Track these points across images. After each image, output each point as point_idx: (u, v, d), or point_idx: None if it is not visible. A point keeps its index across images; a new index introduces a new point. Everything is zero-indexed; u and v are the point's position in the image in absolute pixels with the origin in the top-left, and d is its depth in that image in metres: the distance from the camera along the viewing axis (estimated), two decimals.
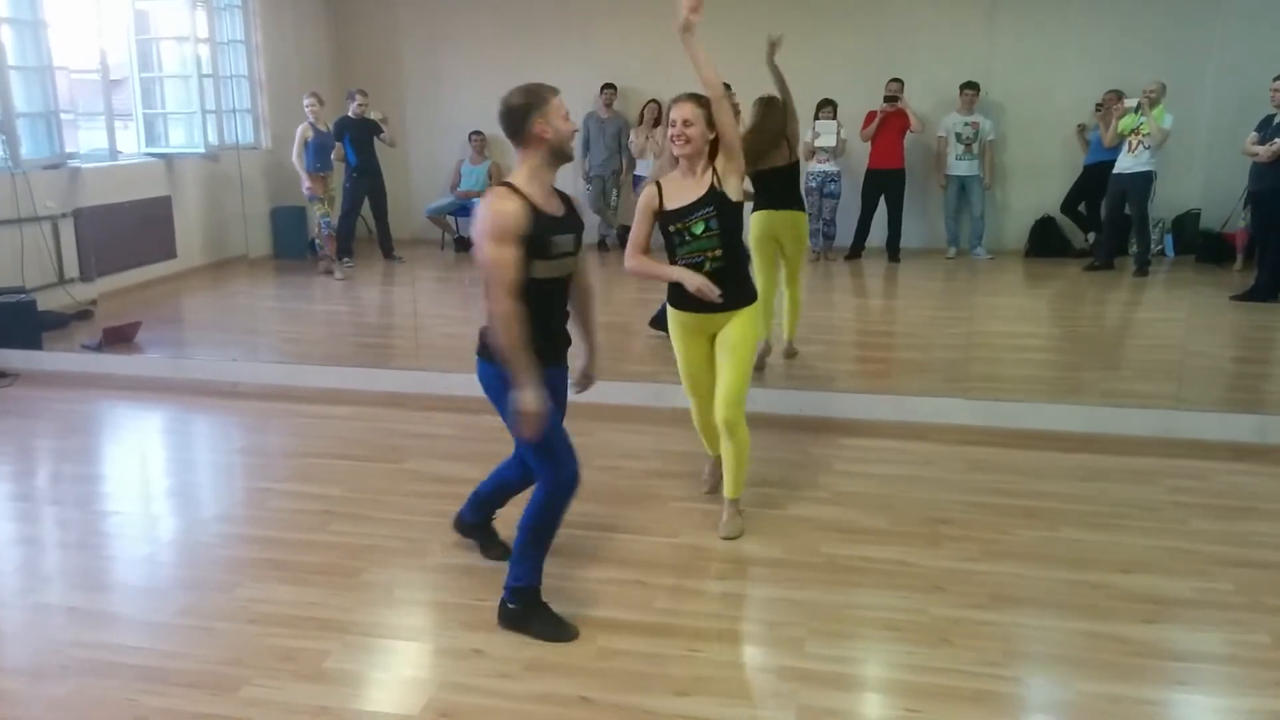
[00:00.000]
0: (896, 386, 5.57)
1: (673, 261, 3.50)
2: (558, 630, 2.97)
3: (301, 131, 8.30)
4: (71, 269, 7.50)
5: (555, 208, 2.91)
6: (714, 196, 3.40)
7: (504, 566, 3.34)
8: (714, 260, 3.43)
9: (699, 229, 3.41)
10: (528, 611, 2.99)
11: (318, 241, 8.62)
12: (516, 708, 2.63)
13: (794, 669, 2.80)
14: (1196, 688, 2.74)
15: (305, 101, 8.39)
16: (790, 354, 6.06)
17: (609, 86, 9.59)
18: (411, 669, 2.88)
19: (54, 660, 2.86)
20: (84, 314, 7.14)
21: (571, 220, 2.97)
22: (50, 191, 7.30)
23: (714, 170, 3.43)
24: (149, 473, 4.63)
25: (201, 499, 4.20)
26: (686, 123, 3.40)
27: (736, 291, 3.49)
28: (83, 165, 7.84)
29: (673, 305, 3.62)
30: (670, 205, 3.45)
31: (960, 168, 9.41)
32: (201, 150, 9.05)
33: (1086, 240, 9.28)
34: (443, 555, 3.49)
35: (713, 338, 3.62)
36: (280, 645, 2.92)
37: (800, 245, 5.81)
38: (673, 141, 3.42)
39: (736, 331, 3.54)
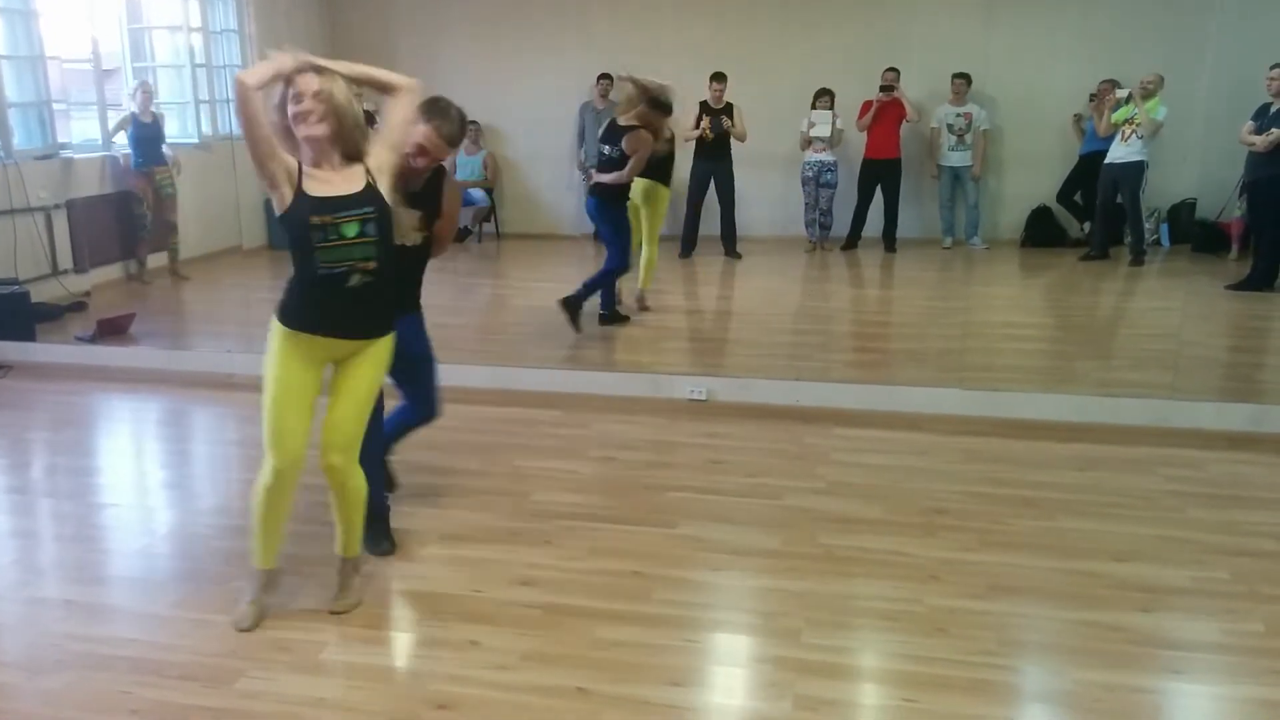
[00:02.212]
0: (892, 376, 5.57)
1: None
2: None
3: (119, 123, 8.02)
4: (64, 260, 7.48)
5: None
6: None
7: (507, 559, 3.35)
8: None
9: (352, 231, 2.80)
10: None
11: None
12: (514, 699, 2.63)
13: (791, 659, 2.80)
14: (1192, 676, 2.75)
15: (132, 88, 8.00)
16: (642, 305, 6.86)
17: (605, 76, 9.57)
18: (408, 660, 2.88)
19: (49, 653, 2.85)
20: (78, 305, 7.12)
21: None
22: (43, 182, 7.27)
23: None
24: (144, 465, 4.62)
25: (197, 491, 4.19)
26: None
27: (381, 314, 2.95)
28: (75, 156, 7.81)
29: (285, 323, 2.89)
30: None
31: (953, 158, 9.42)
32: (195, 140, 9.03)
33: (1082, 230, 9.29)
34: (438, 546, 3.48)
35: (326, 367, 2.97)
36: (276, 637, 2.92)
37: (654, 210, 6.69)
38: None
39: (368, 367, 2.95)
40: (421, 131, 3.09)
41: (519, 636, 2.92)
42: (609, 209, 6.23)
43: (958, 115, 9.32)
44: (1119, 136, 8.38)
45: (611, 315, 6.50)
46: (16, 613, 3.15)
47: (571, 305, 6.20)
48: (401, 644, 2.96)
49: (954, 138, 9.37)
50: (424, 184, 3.24)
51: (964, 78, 9.26)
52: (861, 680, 2.78)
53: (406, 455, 3.58)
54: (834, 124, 9.24)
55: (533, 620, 3.01)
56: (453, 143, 3.19)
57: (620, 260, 6.28)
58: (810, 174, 9.41)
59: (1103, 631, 2.94)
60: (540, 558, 3.40)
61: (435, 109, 3.14)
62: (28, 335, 6.16)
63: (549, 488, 4.02)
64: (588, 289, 6.26)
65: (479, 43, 10.43)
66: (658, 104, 5.98)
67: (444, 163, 3.29)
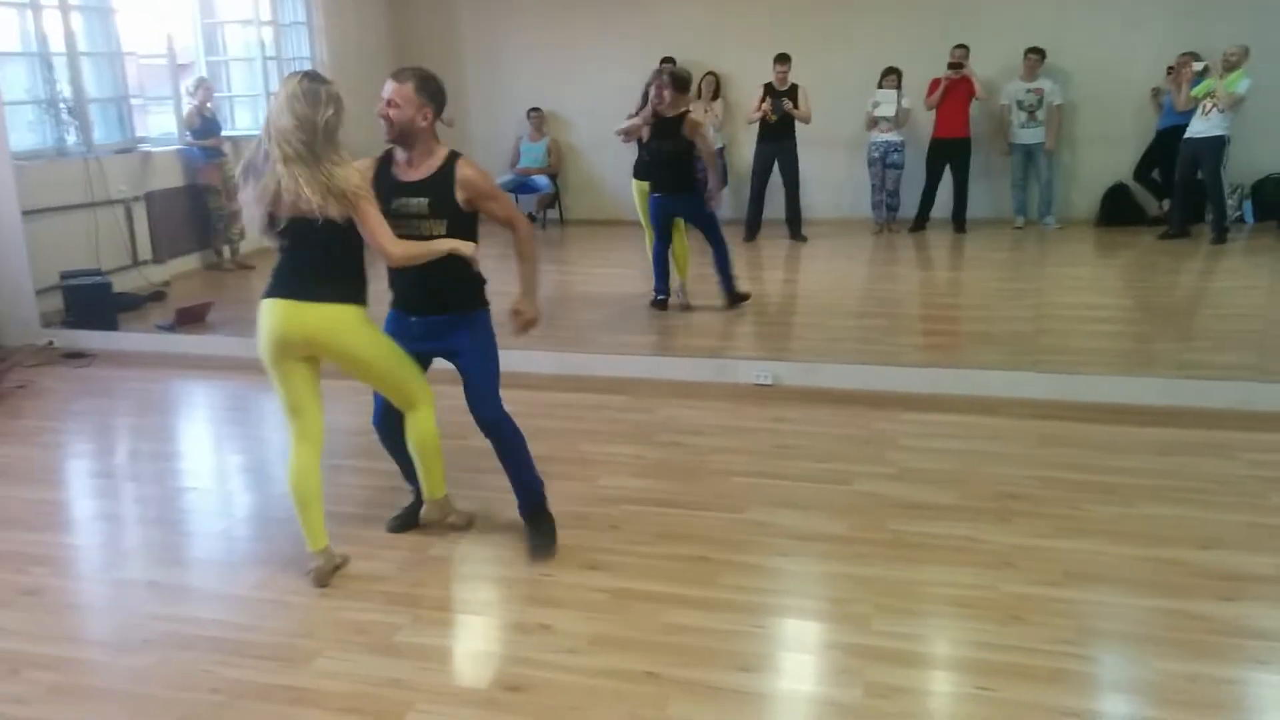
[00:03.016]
0: (963, 360, 5.48)
1: None
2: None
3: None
4: (144, 251, 7.68)
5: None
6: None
7: (575, 543, 3.38)
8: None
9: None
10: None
11: None
12: (583, 682, 2.65)
13: (860, 645, 2.78)
14: (1277, 666, 2.66)
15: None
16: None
17: (668, 60, 9.51)
18: (480, 643, 2.92)
19: (135, 633, 2.95)
20: (157, 295, 7.31)
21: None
22: (122, 175, 7.47)
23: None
24: (222, 449, 4.73)
25: (273, 475, 4.28)
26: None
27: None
28: (152, 149, 8.01)
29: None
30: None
31: (1024, 136, 9.19)
32: None
33: (1160, 207, 9.03)
34: (507, 531, 3.52)
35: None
36: (352, 619, 2.98)
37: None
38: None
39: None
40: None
41: (588, 620, 2.94)
42: (692, 199, 6.39)
43: (1028, 91, 9.09)
44: (1199, 110, 8.12)
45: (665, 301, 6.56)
46: (104, 593, 3.26)
47: (734, 297, 6.47)
48: (474, 627, 3.00)
49: (1024, 114, 9.14)
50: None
51: (1037, 52, 9.01)
52: (934, 668, 2.74)
53: (474, 442, 3.60)
54: (899, 103, 9.08)
55: (601, 604, 3.03)
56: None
57: (722, 237, 6.48)
58: (876, 154, 9.27)
59: (1184, 620, 2.87)
60: (608, 542, 3.42)
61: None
62: (110, 324, 6.36)
63: (615, 472, 4.03)
64: (727, 275, 6.49)
65: (542, 30, 10.45)
66: (679, 81, 6.22)
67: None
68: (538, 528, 3.40)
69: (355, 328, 3.11)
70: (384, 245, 3.02)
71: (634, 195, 6.71)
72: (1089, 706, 2.53)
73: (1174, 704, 2.51)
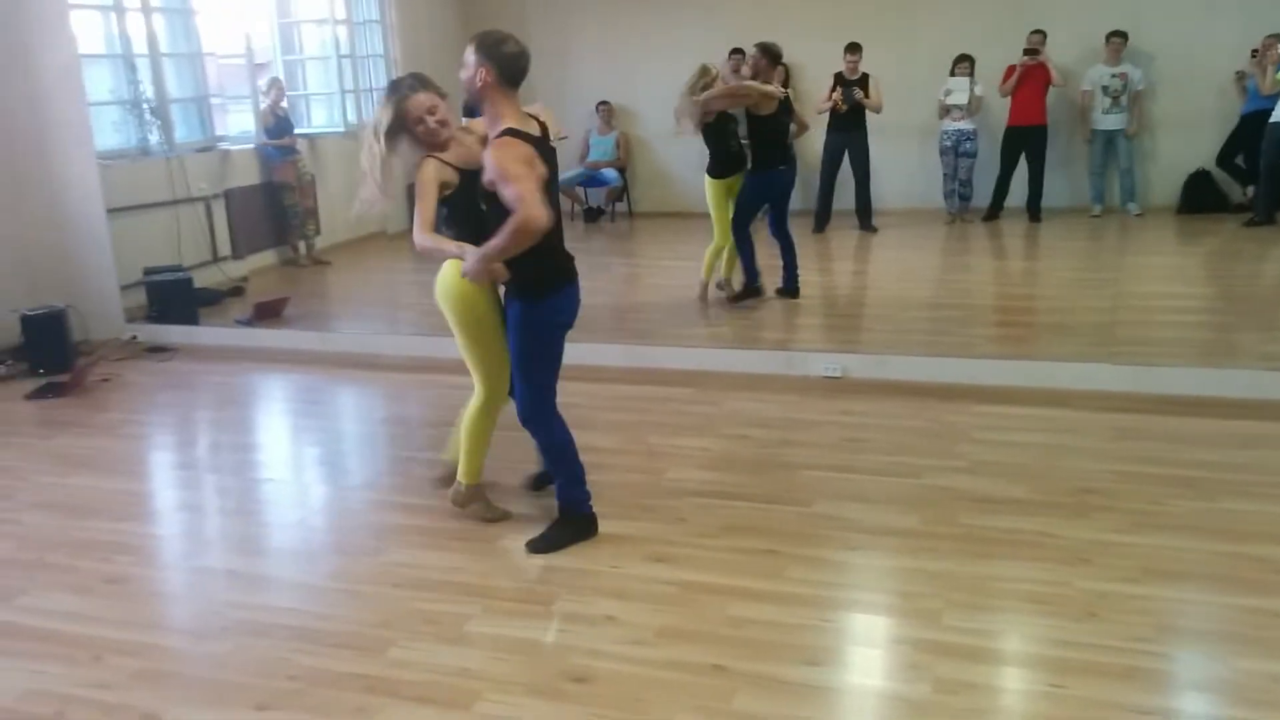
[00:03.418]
0: (1037, 351, 5.37)
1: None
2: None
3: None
4: (223, 247, 7.88)
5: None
6: None
7: (642, 535, 3.39)
8: None
9: None
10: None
11: None
12: (650, 674, 2.66)
13: (930, 641, 2.75)
14: None
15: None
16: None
17: (736, 51, 9.45)
18: (547, 634, 2.94)
19: (214, 620, 3.03)
20: (236, 290, 7.50)
21: None
22: (202, 173, 7.67)
23: None
24: (299, 442, 4.84)
25: (348, 467, 4.37)
26: None
27: None
28: (231, 148, 8.21)
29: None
30: None
31: (1107, 122, 8.95)
32: (341, 129, 9.36)
33: (1245, 194, 8.73)
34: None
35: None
36: (424, 609, 3.03)
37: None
38: None
39: None
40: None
41: (655, 612, 2.95)
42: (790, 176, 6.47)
43: (1113, 76, 8.84)
44: None
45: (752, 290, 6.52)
46: (184, 581, 3.37)
47: (792, 291, 6.46)
48: (542, 617, 3.03)
49: (1108, 100, 8.90)
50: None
51: (1121, 36, 8.76)
52: (1006, 664, 2.70)
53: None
54: (972, 90, 8.92)
55: (668, 596, 3.03)
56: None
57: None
58: (949, 143, 9.11)
59: (1268, 619, 2.78)
60: (674, 534, 3.43)
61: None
62: (191, 319, 6.55)
63: (682, 465, 4.03)
64: (791, 270, 6.45)
65: (609, 24, 10.47)
66: (774, 54, 6.29)
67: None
68: (554, 525, 3.44)
69: (444, 295, 3.33)
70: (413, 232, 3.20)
71: (709, 196, 6.35)
72: (1165, 705, 2.47)
73: (1255, 704, 2.43)
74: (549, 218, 2.94)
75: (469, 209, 3.23)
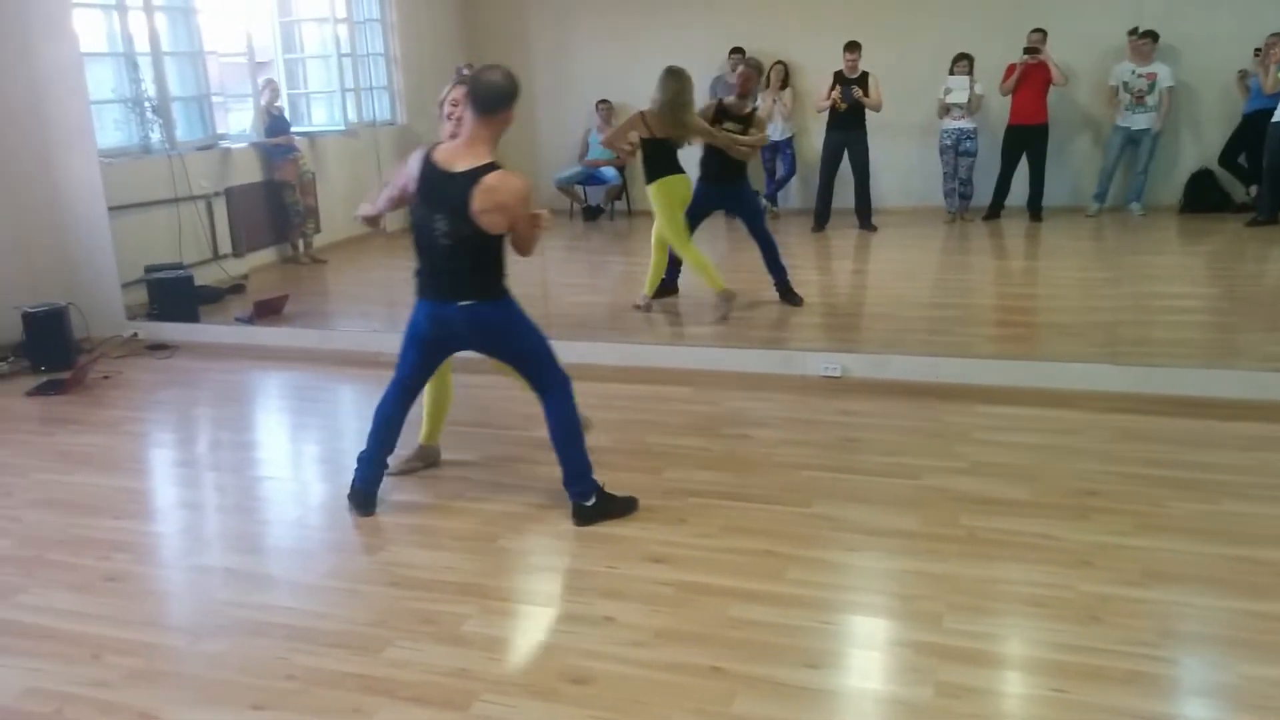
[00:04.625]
0: (1038, 351, 5.36)
1: None
2: (626, 505, 3.56)
3: None
4: (224, 245, 7.86)
5: None
6: None
7: (641, 535, 3.38)
8: None
9: None
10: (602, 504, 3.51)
11: None
12: (649, 675, 2.65)
13: (931, 644, 2.74)
14: None
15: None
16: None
17: (737, 50, 9.44)
18: (545, 635, 2.93)
19: (212, 619, 3.02)
20: (237, 288, 7.49)
21: None
22: (203, 171, 7.65)
23: None
24: (298, 439, 4.83)
25: (347, 465, 4.33)
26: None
27: None
28: (232, 146, 8.20)
29: None
30: None
31: (1129, 120, 8.90)
32: (341, 128, 9.35)
33: (1248, 194, 8.70)
34: (573, 523, 3.53)
35: None
36: (421, 609, 3.02)
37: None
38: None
39: None
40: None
41: (653, 613, 2.94)
42: (742, 190, 6.41)
43: (1139, 75, 8.80)
44: None
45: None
46: (182, 579, 3.35)
47: (789, 296, 6.32)
48: (539, 618, 3.02)
49: (1130, 98, 8.86)
50: None
51: (1151, 35, 8.72)
52: (1007, 668, 2.69)
53: (539, 433, 3.63)
54: (972, 89, 8.91)
55: (666, 597, 3.02)
56: None
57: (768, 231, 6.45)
58: (949, 142, 9.10)
59: (1271, 623, 2.77)
60: (673, 535, 3.41)
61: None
62: (192, 316, 6.54)
63: (681, 465, 4.02)
64: (779, 270, 6.32)
65: (608, 22, 10.43)
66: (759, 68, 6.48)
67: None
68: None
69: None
70: None
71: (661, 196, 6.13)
72: (1168, 711, 2.46)
73: (1258, 709, 2.42)
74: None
75: None
